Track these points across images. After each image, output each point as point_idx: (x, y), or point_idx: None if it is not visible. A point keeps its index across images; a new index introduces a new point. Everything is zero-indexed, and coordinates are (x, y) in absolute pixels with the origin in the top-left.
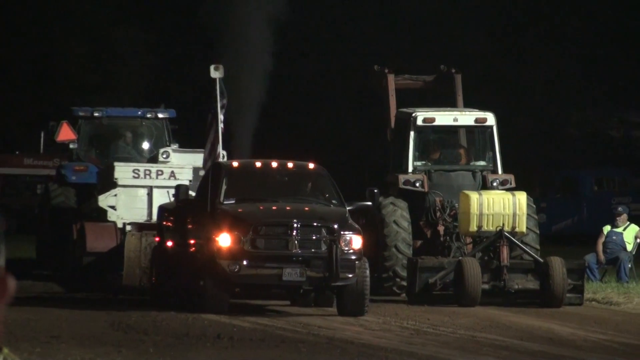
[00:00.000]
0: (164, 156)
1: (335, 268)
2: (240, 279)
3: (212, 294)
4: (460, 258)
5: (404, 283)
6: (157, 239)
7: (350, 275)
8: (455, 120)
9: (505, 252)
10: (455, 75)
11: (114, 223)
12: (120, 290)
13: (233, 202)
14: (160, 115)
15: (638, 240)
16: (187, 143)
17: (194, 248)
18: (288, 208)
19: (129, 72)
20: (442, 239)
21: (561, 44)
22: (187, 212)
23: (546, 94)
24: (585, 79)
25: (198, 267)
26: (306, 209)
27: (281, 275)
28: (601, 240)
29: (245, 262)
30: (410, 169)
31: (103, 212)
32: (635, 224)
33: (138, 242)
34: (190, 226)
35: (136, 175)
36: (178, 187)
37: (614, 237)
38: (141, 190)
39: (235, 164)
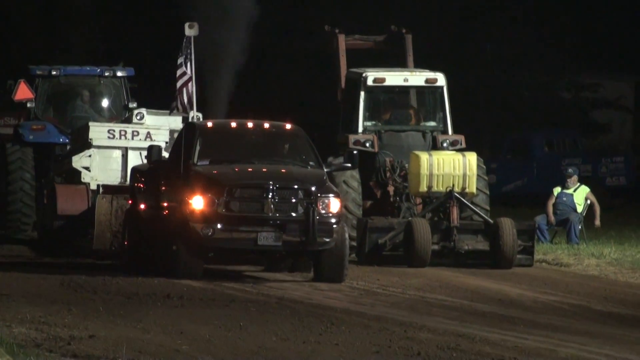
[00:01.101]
0: (138, 117)
1: (313, 232)
2: (213, 243)
3: (185, 259)
4: (410, 219)
5: (354, 243)
6: (129, 201)
7: (328, 240)
8: (406, 80)
9: (455, 212)
10: (405, 36)
11: (87, 185)
12: (91, 254)
13: (207, 163)
14: (118, 74)
15: (588, 202)
16: (147, 102)
17: (166, 211)
18: (264, 170)
19: (83, 33)
20: (392, 199)
21: (511, 9)
22: (160, 174)
23: (497, 57)
24: (536, 42)
25: (171, 231)
26: (283, 170)
27: (256, 240)
28: (551, 201)
29: (219, 226)
30: (360, 129)
31: (75, 174)
32: (586, 185)
33: (109, 205)
34: (162, 188)
35: (111, 136)
36: (150, 148)
37: (564, 199)
38: (116, 152)
39: (209, 124)
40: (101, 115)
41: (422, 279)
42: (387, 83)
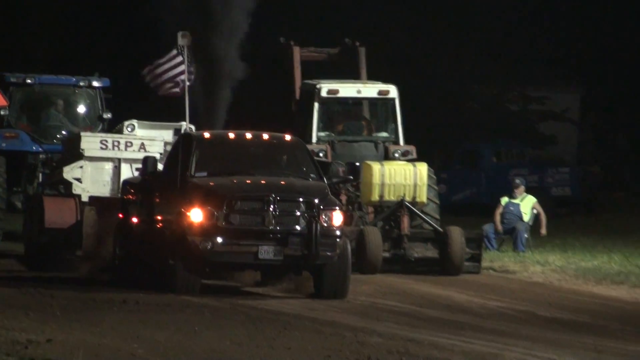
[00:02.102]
0: (129, 129)
1: (315, 246)
2: (213, 257)
3: (183, 273)
4: (362, 227)
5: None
6: (120, 215)
7: (330, 254)
8: (359, 92)
9: (405, 221)
10: (359, 49)
11: (76, 197)
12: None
13: (205, 175)
14: (94, 84)
15: (535, 211)
16: (123, 113)
17: (162, 225)
18: (263, 182)
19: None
20: (344, 208)
21: (465, 24)
22: (155, 186)
23: (449, 69)
24: (485, 55)
25: (167, 245)
26: (284, 182)
27: (257, 253)
28: (499, 210)
29: (218, 239)
30: (314, 139)
31: (65, 185)
32: (532, 195)
33: (97, 218)
34: (158, 201)
35: (104, 147)
36: (146, 159)
37: (512, 208)
38: (108, 163)
39: (206, 134)
40: (75, 125)
41: (373, 286)
42: (341, 94)
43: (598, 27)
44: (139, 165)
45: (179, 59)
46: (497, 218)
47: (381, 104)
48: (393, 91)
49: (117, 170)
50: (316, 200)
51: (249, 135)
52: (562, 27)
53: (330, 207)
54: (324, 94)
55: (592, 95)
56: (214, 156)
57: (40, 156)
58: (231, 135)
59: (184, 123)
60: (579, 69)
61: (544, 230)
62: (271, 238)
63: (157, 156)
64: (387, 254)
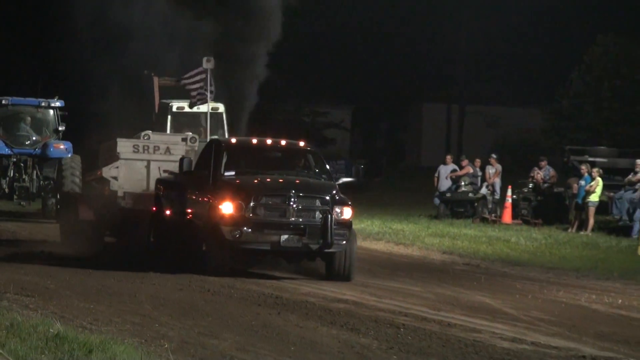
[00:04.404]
0: (145, 138)
1: (330, 236)
2: (241, 244)
3: (214, 258)
4: None
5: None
6: (154, 208)
7: (342, 243)
8: (198, 108)
9: None
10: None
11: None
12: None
13: (233, 174)
14: (53, 104)
15: None
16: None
17: (196, 216)
18: (286, 180)
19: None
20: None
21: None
22: (189, 183)
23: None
24: (285, 78)
25: (201, 233)
26: (302, 181)
27: (279, 241)
28: None
29: (246, 229)
30: None
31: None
32: None
33: (129, 210)
34: (192, 196)
35: (136, 150)
36: (182, 160)
37: None
38: (139, 163)
39: (233, 140)
40: (39, 135)
41: None
42: (185, 110)
43: (364, 60)
44: (165, 166)
45: (202, 76)
46: None
47: (213, 116)
48: (221, 107)
49: (147, 170)
50: (329, 197)
51: (269, 141)
52: (335, 56)
53: (341, 203)
54: (174, 109)
55: (360, 109)
56: (240, 158)
57: (12, 158)
58: (254, 141)
59: (189, 133)
60: (349, 89)
61: None
62: (291, 228)
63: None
64: None
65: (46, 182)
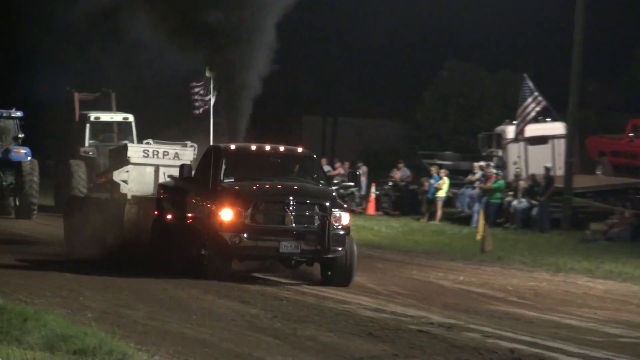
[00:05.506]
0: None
1: (328, 242)
2: (240, 250)
3: (214, 262)
4: None
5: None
6: (156, 212)
7: (340, 249)
8: (112, 118)
9: None
10: (111, 94)
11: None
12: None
13: (232, 180)
14: (14, 114)
15: None
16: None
17: (196, 221)
18: (284, 187)
19: None
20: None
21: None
22: (189, 188)
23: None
24: None
25: (200, 239)
26: (300, 187)
27: (278, 248)
28: None
29: (245, 235)
30: (86, 144)
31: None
32: None
33: (136, 213)
34: (192, 201)
35: (145, 155)
36: (182, 166)
37: None
38: (149, 168)
39: (232, 146)
40: (1, 142)
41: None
42: (102, 119)
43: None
44: (170, 171)
45: (203, 83)
46: None
47: (124, 125)
48: (131, 118)
49: (156, 174)
50: (327, 203)
51: (267, 148)
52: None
53: (339, 209)
54: (92, 119)
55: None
56: (239, 165)
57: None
58: (253, 147)
59: (188, 142)
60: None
61: None
62: (290, 235)
63: (189, 163)
64: None
65: (7, 184)
